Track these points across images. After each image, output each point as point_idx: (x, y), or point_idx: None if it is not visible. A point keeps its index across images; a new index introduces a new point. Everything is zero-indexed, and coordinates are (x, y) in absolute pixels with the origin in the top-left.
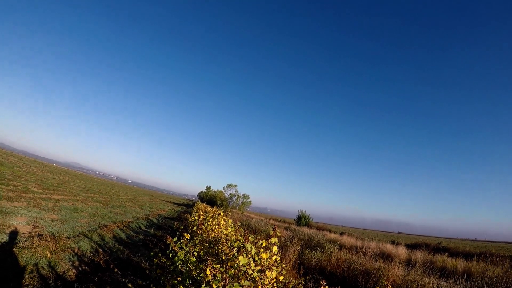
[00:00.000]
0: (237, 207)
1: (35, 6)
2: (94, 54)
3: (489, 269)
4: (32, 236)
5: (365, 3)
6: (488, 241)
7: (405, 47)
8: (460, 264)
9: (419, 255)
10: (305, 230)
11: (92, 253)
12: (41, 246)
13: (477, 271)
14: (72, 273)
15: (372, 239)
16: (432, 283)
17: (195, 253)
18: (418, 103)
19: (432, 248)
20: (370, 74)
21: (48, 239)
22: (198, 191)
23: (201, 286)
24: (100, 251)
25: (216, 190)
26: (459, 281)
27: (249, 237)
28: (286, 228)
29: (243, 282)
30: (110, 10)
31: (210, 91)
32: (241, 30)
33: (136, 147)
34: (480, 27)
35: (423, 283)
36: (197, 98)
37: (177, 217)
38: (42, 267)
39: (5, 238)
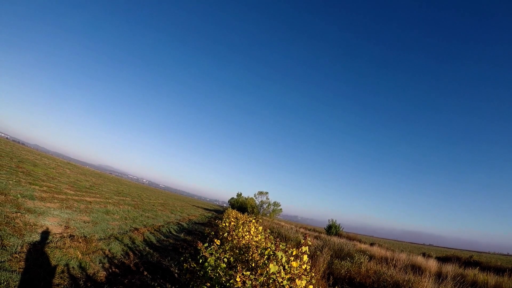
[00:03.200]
0: (268, 214)
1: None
2: (127, 57)
3: None
4: (64, 237)
5: (375, 5)
6: None
7: (412, 50)
8: (492, 279)
9: (449, 269)
10: (335, 239)
11: (122, 255)
12: (72, 247)
13: (508, 286)
14: (102, 274)
15: (402, 250)
16: None
17: (225, 259)
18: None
19: (463, 261)
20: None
21: (80, 240)
22: (229, 197)
23: None
24: (131, 254)
25: (247, 197)
26: None
27: (280, 245)
28: (316, 237)
29: None
30: (126, 8)
31: (245, 99)
32: (254, 29)
33: (169, 152)
34: (489, 30)
35: None
36: (229, 105)
37: (207, 223)
38: (73, 267)
39: (37, 237)
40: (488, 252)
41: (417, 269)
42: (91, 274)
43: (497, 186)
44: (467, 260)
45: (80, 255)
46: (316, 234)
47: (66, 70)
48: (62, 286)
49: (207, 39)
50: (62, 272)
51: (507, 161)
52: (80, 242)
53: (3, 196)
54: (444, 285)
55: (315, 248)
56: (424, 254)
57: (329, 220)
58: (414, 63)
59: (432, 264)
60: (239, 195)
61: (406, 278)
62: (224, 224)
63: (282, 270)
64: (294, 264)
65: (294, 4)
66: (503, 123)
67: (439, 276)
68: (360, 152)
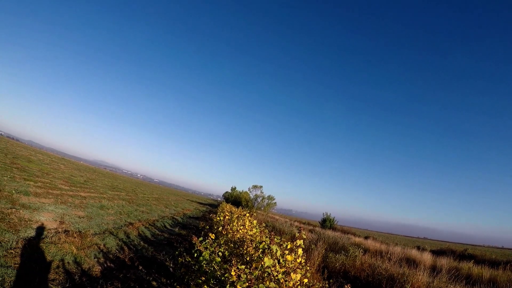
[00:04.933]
0: (262, 208)
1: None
2: (121, 53)
3: None
4: (59, 232)
5: (371, 3)
6: None
7: (412, 47)
8: (486, 272)
9: (444, 262)
10: (329, 233)
11: (117, 250)
12: (67, 242)
13: (503, 279)
14: (97, 269)
15: (396, 244)
16: None
17: (220, 253)
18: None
19: (458, 254)
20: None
21: (75, 235)
22: (223, 191)
23: (225, 287)
24: (125, 248)
25: (241, 191)
26: None
27: (275, 239)
28: (310, 231)
29: (268, 283)
30: (123, 7)
31: (239, 94)
32: (251, 29)
33: (163, 147)
34: (482, 29)
35: None
36: (224, 100)
37: (202, 217)
38: (68, 262)
39: (32, 233)
40: (483, 245)
41: (411, 262)
42: (86, 269)
43: (491, 181)
44: (461, 253)
45: (75, 250)
46: (311, 227)
47: (60, 67)
48: (57, 281)
49: (198, 35)
50: (57, 267)
51: (502, 157)
52: (75, 237)
53: None
54: (439, 278)
55: (310, 241)
56: (418, 247)
57: (323, 213)
58: (413, 59)
59: (426, 257)
60: (233, 189)
61: (401, 271)
62: (218, 218)
63: (277, 264)
64: (289, 257)
65: (289, 3)
66: (501, 120)
67: (434, 269)
68: (355, 147)
